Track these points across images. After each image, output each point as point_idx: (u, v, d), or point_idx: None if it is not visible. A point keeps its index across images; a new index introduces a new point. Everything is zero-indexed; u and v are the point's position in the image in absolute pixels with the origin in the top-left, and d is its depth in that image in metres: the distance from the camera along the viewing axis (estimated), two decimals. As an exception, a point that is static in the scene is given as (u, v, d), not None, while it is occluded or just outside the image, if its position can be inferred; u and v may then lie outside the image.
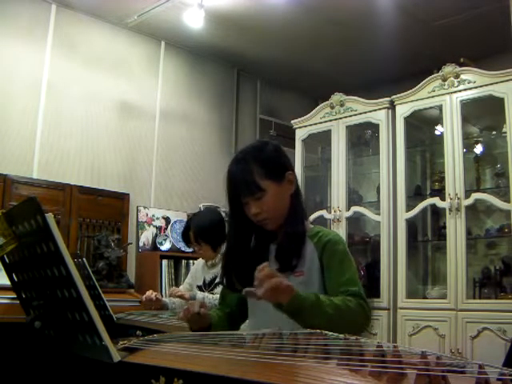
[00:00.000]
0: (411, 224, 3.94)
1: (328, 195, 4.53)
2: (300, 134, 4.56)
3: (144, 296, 2.82)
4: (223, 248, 2.76)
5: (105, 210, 4.11)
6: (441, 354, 0.82)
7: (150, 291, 2.81)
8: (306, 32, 4.34)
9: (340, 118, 4.30)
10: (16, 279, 1.30)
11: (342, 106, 4.30)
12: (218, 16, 4.15)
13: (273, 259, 1.49)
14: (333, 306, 1.29)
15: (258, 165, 1.46)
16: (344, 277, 1.42)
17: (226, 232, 1.63)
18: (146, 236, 4.41)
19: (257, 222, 1.49)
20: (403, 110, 3.93)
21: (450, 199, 3.56)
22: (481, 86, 3.54)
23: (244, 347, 1.05)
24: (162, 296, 2.98)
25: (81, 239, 3.94)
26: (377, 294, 3.82)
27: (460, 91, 3.63)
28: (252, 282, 1.50)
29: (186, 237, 2.85)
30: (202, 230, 2.73)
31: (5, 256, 1.25)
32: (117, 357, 0.98)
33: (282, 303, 1.24)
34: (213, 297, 2.64)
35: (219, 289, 2.69)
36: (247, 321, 1.64)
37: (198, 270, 2.95)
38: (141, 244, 4.36)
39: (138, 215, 4.39)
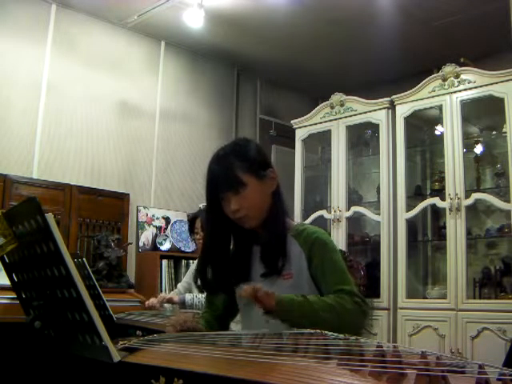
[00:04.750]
0: (411, 224, 3.94)
1: (328, 195, 4.53)
2: (300, 134, 4.56)
3: (147, 303, 2.84)
4: None
5: (105, 210, 4.11)
6: (441, 354, 0.82)
7: (153, 299, 2.83)
8: (306, 32, 4.34)
9: (340, 118, 4.30)
10: (16, 279, 1.30)
11: (342, 105, 4.30)
12: (218, 16, 4.15)
13: (257, 261, 1.46)
14: (326, 307, 1.28)
15: (239, 160, 1.43)
16: (336, 276, 1.39)
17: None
18: (146, 236, 4.41)
19: (235, 219, 1.44)
20: (403, 110, 3.93)
21: (450, 199, 3.56)
22: (481, 86, 3.54)
23: (244, 347, 1.05)
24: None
25: (81, 239, 3.94)
26: (377, 294, 3.82)
27: (460, 91, 3.63)
28: (234, 285, 1.48)
29: (191, 224, 2.87)
30: None
31: (5, 256, 1.25)
32: (117, 357, 0.98)
33: (270, 309, 1.23)
34: (202, 296, 2.64)
35: None
36: (236, 319, 1.64)
37: (198, 269, 2.95)
38: (141, 244, 4.36)
39: (137, 215, 4.39)
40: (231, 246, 1.52)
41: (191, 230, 2.92)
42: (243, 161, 1.44)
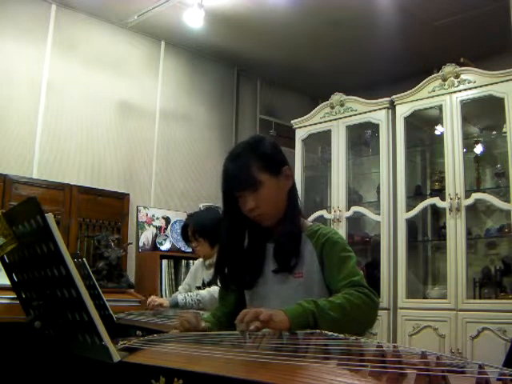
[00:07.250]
0: (411, 224, 3.94)
1: (328, 195, 4.53)
2: (300, 134, 4.56)
3: (148, 301, 2.83)
4: None
5: (105, 210, 4.11)
6: (441, 354, 0.82)
7: (152, 297, 2.83)
8: (306, 32, 4.34)
9: (340, 118, 4.30)
10: (16, 279, 1.30)
11: (342, 105, 4.29)
12: (217, 16, 4.15)
13: (270, 259, 1.47)
14: (336, 308, 1.23)
15: (255, 158, 1.43)
16: (345, 271, 1.37)
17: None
18: (146, 236, 4.41)
19: (253, 217, 1.45)
20: (403, 110, 3.93)
21: (450, 199, 3.56)
22: (481, 86, 3.54)
23: (244, 347, 1.05)
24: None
25: (81, 239, 3.94)
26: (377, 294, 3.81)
27: (460, 91, 3.63)
28: (247, 282, 1.47)
29: (185, 234, 2.86)
30: (200, 225, 2.75)
31: (5, 256, 1.25)
32: (117, 357, 0.98)
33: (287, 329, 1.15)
34: (194, 294, 2.65)
35: (216, 287, 2.70)
36: None
37: (197, 270, 2.95)
38: (141, 244, 4.36)
39: (137, 215, 4.39)
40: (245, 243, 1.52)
41: (186, 239, 2.91)
42: (259, 159, 1.44)
